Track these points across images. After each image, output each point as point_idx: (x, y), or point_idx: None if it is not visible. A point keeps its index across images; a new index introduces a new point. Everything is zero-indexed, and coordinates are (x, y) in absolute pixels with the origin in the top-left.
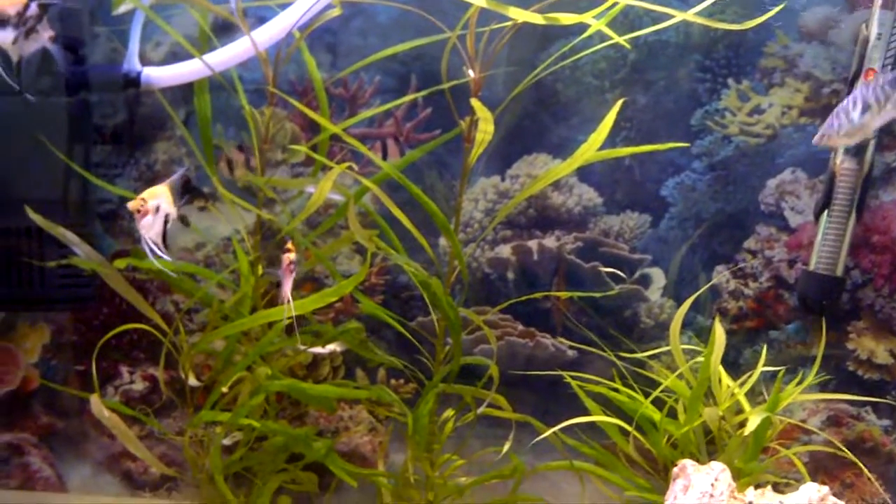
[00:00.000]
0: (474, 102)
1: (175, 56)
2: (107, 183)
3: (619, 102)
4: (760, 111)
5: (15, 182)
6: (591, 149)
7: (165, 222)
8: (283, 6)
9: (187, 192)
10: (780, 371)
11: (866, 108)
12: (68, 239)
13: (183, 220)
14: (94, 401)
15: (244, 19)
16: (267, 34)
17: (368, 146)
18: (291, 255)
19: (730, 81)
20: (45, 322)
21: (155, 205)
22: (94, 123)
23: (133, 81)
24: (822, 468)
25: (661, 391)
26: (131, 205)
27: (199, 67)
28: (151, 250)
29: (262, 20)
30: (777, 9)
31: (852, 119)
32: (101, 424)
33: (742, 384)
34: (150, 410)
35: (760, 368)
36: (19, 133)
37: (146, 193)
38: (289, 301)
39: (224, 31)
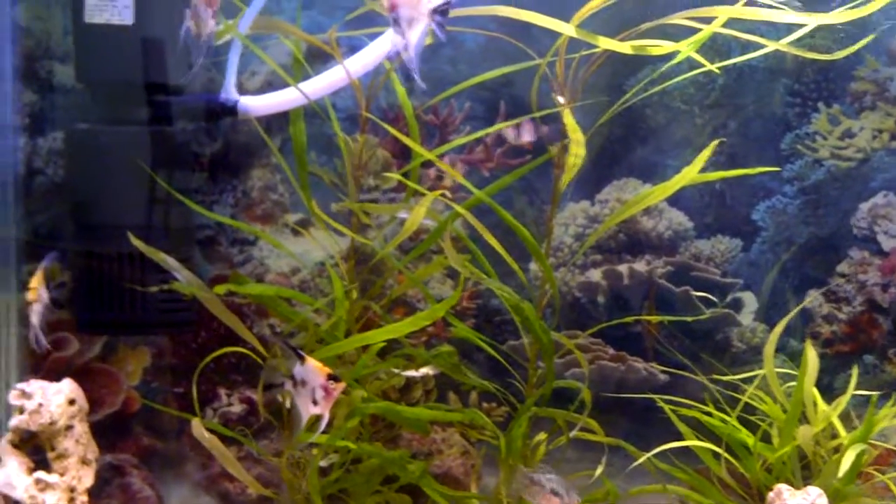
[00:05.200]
0: (568, 122)
1: (270, 85)
2: (205, 209)
3: (715, 142)
4: (851, 135)
5: (117, 209)
6: (684, 180)
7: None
8: (374, 36)
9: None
10: (873, 396)
11: None
12: (169, 264)
13: (55, 302)
14: (195, 423)
15: (337, 48)
16: (359, 63)
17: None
18: (341, 386)
19: (820, 105)
20: (145, 346)
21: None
22: (192, 151)
23: (230, 110)
24: None
25: (755, 416)
26: (30, 296)
27: (294, 96)
28: (37, 336)
29: (353, 49)
30: (867, 39)
31: None
32: (199, 445)
33: (835, 408)
34: (249, 432)
35: (852, 391)
36: (121, 161)
37: (35, 281)
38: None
39: (316, 60)
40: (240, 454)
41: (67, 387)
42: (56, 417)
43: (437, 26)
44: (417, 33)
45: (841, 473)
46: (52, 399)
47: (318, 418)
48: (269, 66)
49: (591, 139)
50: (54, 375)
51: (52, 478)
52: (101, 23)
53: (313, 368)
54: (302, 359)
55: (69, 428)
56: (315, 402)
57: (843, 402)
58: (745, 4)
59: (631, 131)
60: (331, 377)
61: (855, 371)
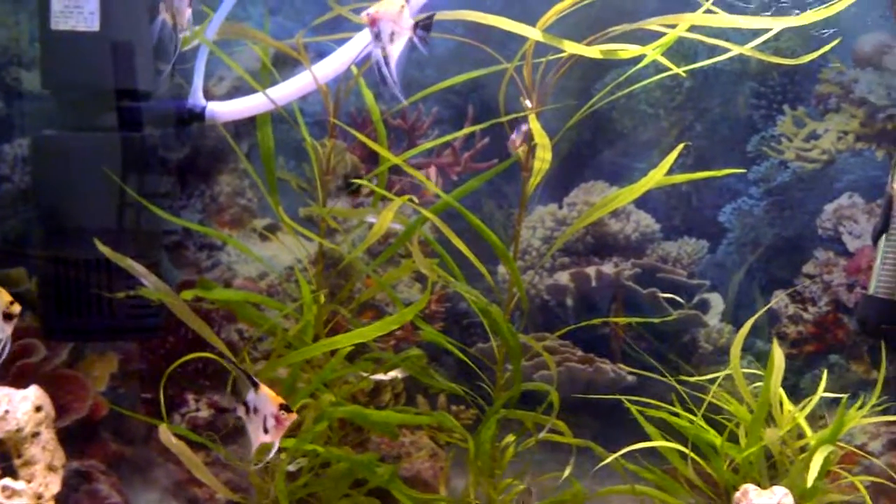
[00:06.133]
0: (534, 127)
1: (237, 91)
2: (173, 215)
3: (681, 145)
4: (816, 137)
5: (84, 215)
6: (650, 182)
7: None
8: (341, 41)
9: None
10: (840, 395)
11: None
12: (136, 270)
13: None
14: (163, 429)
15: (305, 54)
16: (328, 68)
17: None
18: (292, 417)
19: (785, 108)
20: (112, 351)
21: None
22: (160, 157)
23: (198, 116)
24: (884, 492)
25: (721, 416)
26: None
27: (261, 101)
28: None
29: (320, 55)
30: (832, 44)
31: None
32: (167, 451)
33: (802, 408)
34: (216, 437)
35: (821, 393)
36: (88, 167)
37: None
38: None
39: (283, 65)
40: (208, 459)
41: (34, 393)
42: (22, 424)
43: (420, 41)
44: (399, 48)
45: (810, 475)
46: (19, 406)
47: (268, 446)
48: (237, 71)
49: (559, 143)
50: (21, 382)
51: (18, 485)
52: (67, 29)
53: (266, 397)
54: (256, 386)
55: (36, 435)
56: (266, 431)
57: (811, 402)
58: (711, 6)
59: (598, 134)
60: (283, 407)
61: (825, 373)
